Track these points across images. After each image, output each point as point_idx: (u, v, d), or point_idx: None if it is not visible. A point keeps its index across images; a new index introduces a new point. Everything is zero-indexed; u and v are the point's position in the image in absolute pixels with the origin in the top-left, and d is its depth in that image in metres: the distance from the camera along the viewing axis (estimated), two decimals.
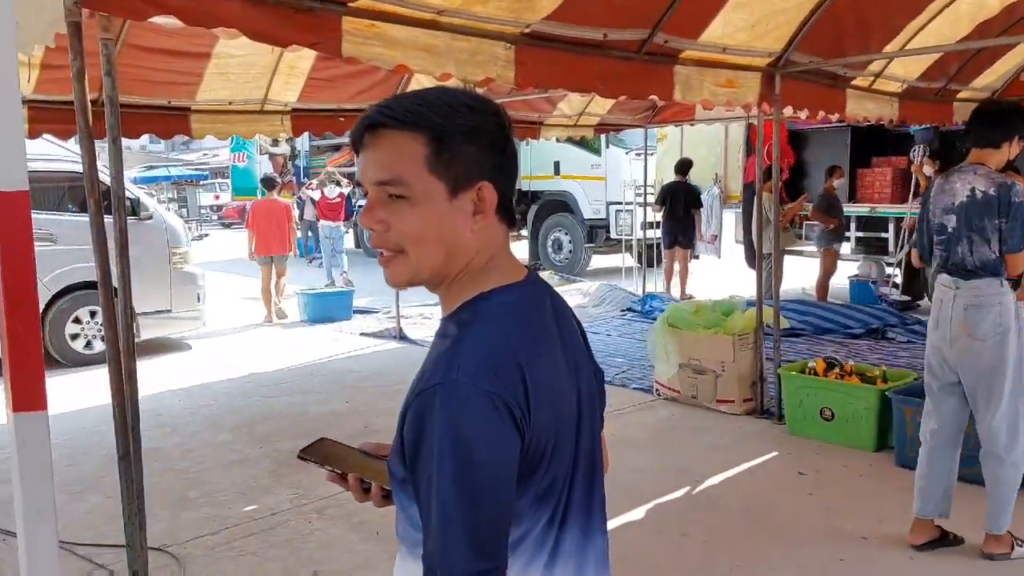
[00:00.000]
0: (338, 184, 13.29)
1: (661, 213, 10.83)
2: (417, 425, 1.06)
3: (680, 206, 10.55)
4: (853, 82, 6.01)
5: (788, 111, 5.63)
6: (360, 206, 8.45)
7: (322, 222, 12.97)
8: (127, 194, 7.81)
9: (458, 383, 1.04)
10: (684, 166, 10.69)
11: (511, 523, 1.08)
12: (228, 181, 27.63)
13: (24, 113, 5.39)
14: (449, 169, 1.12)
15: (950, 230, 3.42)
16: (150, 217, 7.92)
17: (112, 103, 2.91)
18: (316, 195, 13.57)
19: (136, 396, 3.09)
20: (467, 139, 1.12)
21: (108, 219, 3.03)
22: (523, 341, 1.11)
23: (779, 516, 4.05)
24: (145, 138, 7.51)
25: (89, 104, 2.87)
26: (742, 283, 10.52)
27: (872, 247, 10.30)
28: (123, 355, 3.05)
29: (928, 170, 8.91)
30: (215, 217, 30.65)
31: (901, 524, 3.79)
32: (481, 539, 1.02)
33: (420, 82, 5.73)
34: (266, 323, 9.93)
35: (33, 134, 5.52)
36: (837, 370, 5.13)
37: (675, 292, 10.65)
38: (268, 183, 11.04)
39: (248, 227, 10.29)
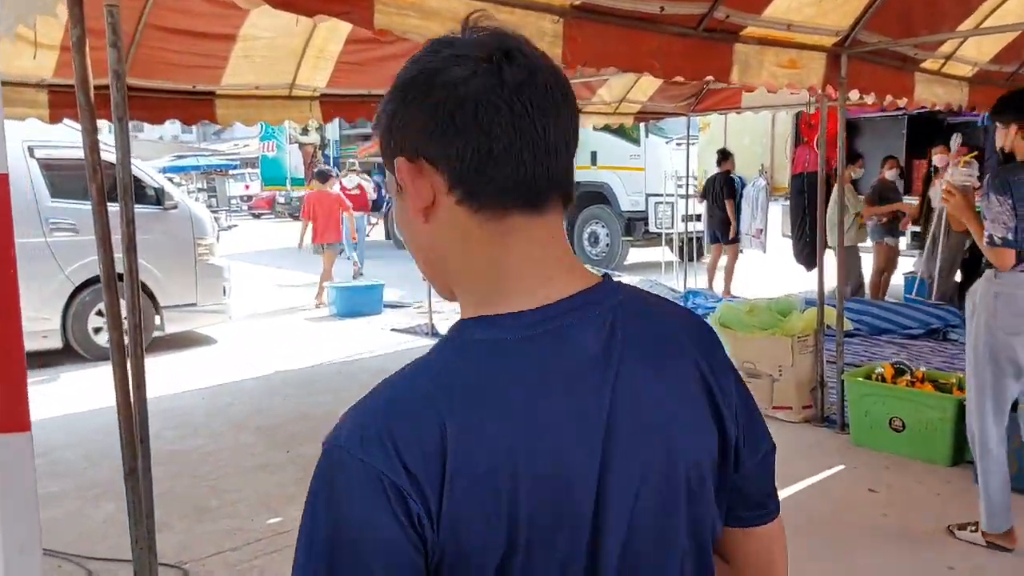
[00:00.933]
0: (359, 175, 13.64)
1: (704, 206, 10.41)
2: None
3: (714, 198, 10.14)
4: (922, 64, 5.58)
5: (854, 95, 5.20)
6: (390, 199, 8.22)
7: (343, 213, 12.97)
8: (152, 183, 7.67)
9: (341, 449, 0.75)
10: (722, 156, 10.25)
11: None
12: (258, 171, 27.51)
13: (45, 98, 5.15)
14: (390, 147, 0.81)
15: None
16: (175, 207, 7.65)
17: (118, 77, 2.58)
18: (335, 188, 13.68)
19: (145, 406, 2.77)
20: (412, 95, 0.77)
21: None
22: (467, 396, 0.75)
23: (852, 540, 3.65)
24: (178, 127, 7.31)
25: (91, 78, 2.55)
26: (791, 279, 10.07)
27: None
28: (131, 358, 2.75)
29: (940, 160, 8.35)
30: (244, 207, 30.66)
31: (991, 553, 3.40)
32: None
33: None
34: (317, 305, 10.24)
35: (54, 119, 5.26)
36: (908, 376, 4.72)
37: (717, 289, 10.19)
38: (322, 176, 11.40)
39: (304, 217, 10.74)
